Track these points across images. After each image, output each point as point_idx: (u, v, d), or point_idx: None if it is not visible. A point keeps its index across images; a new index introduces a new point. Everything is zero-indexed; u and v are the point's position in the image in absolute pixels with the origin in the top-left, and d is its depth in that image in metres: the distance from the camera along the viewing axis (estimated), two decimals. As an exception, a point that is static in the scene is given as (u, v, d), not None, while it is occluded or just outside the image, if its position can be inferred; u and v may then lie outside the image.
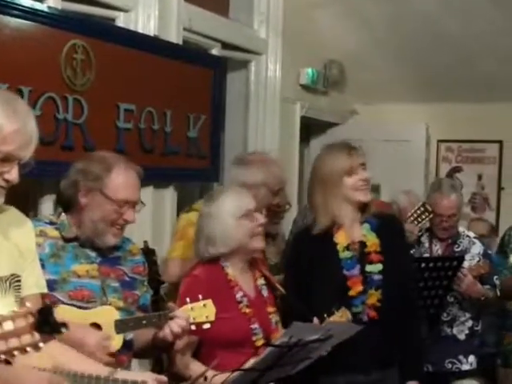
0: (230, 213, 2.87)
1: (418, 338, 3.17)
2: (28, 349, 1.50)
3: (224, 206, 2.90)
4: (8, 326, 1.47)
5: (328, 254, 3.05)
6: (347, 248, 3.05)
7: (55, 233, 2.56)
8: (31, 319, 1.48)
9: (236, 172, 3.58)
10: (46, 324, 1.49)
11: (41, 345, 1.50)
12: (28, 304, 1.57)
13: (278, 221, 3.80)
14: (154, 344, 2.61)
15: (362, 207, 3.10)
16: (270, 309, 2.95)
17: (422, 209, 3.94)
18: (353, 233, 3.09)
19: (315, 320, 2.83)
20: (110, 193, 2.54)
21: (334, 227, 3.07)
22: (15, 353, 1.49)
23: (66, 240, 2.57)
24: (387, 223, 3.16)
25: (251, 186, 3.41)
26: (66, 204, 2.62)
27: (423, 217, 3.94)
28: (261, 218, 2.92)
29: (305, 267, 3.06)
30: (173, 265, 3.49)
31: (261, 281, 2.99)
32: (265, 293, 2.98)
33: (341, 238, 3.06)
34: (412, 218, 3.92)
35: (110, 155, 2.64)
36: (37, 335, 1.50)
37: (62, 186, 2.63)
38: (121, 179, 2.56)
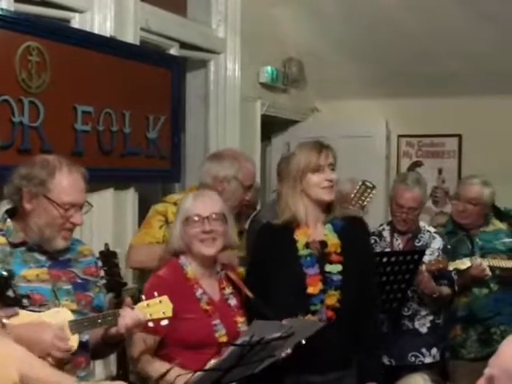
0: (179, 214, 2.96)
1: (376, 339, 3.18)
2: None
3: (182, 205, 2.99)
4: None
5: (288, 250, 3.05)
6: (307, 246, 3.05)
7: (2, 239, 2.53)
8: None
9: (208, 166, 3.64)
10: (5, 296, 1.44)
11: (4, 320, 1.45)
12: None
13: (245, 217, 3.86)
14: (104, 341, 2.59)
15: (326, 208, 3.10)
16: (239, 319, 2.94)
17: (363, 187, 3.94)
18: (314, 232, 3.08)
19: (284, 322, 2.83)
20: (54, 197, 2.50)
21: (294, 223, 3.06)
22: None
23: (14, 245, 2.53)
24: (351, 225, 3.15)
25: (223, 178, 3.49)
26: (12, 209, 2.59)
27: (366, 194, 3.92)
28: (207, 226, 2.89)
29: (266, 261, 3.06)
30: (134, 251, 3.59)
31: (228, 290, 2.98)
32: (232, 302, 2.96)
33: (301, 236, 3.06)
34: (355, 200, 3.91)
35: (52, 158, 2.59)
36: None
37: (5, 192, 2.60)
38: (65, 183, 2.52)
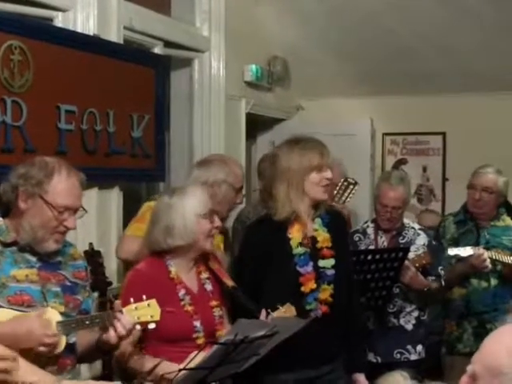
0: (194, 209, 2.91)
1: (363, 330, 3.22)
2: None
3: (189, 200, 2.93)
4: None
5: (281, 248, 3.07)
6: (300, 244, 3.08)
7: None
8: None
9: (198, 173, 3.64)
10: None
11: None
12: None
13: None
14: (98, 347, 2.58)
15: (316, 204, 3.14)
16: (214, 302, 2.96)
17: (345, 183, 3.94)
18: (306, 228, 3.12)
19: (263, 312, 2.84)
20: (49, 199, 2.50)
21: (289, 221, 3.09)
22: None
23: (5, 245, 2.53)
24: (335, 218, 3.23)
25: (213, 183, 3.50)
26: (5, 208, 2.58)
27: (348, 191, 3.93)
28: (218, 221, 2.95)
29: (258, 260, 3.07)
30: (127, 241, 3.54)
31: (204, 275, 3.00)
32: (208, 287, 2.98)
33: (295, 234, 3.09)
34: (338, 196, 3.92)
35: (52, 160, 2.59)
36: None
37: (1, 190, 2.59)
38: (62, 186, 2.52)
